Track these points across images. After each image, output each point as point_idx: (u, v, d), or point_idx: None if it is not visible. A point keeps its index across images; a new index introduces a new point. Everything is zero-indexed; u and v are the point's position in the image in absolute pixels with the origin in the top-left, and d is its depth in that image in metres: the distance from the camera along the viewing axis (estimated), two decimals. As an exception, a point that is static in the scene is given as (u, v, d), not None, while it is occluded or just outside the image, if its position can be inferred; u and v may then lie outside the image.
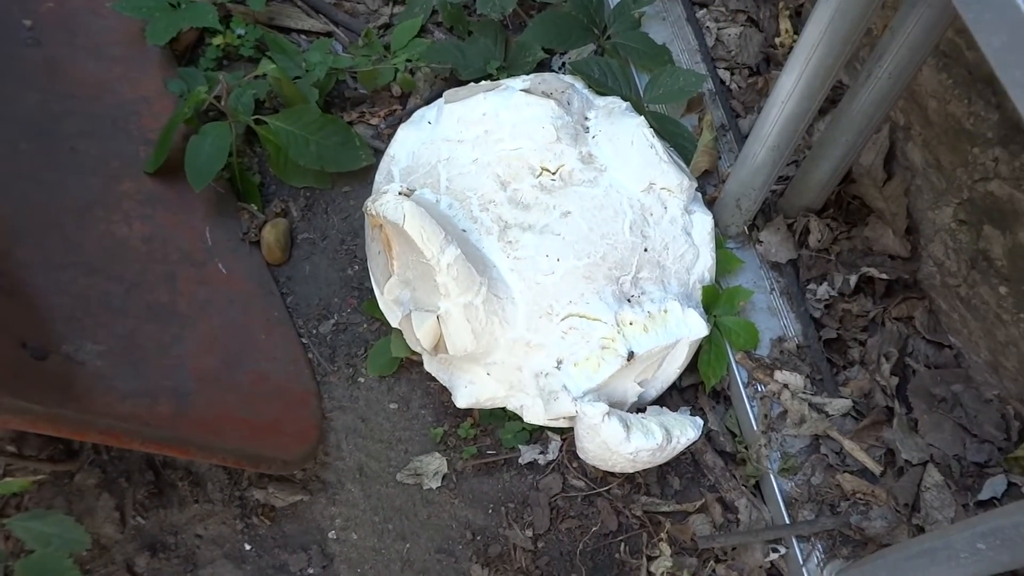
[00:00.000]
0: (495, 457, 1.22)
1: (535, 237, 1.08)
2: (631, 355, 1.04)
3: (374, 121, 1.52)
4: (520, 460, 1.20)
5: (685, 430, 1.08)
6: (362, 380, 1.32)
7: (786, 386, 1.17)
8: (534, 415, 1.12)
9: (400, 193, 1.01)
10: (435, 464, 1.21)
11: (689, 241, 1.15)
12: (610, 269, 1.08)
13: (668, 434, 1.05)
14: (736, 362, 1.21)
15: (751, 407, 1.18)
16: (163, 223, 1.37)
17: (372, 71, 1.50)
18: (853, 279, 1.26)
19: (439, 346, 1.08)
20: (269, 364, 1.28)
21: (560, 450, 1.20)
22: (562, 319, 1.07)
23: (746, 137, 1.42)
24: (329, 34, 1.62)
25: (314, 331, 1.35)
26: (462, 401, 1.12)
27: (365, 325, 1.35)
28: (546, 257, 1.07)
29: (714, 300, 1.21)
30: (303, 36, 1.63)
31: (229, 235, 1.38)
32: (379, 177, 1.22)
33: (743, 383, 1.20)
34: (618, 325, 1.05)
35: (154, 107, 1.49)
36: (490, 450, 1.23)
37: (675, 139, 1.33)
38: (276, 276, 1.39)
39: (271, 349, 1.30)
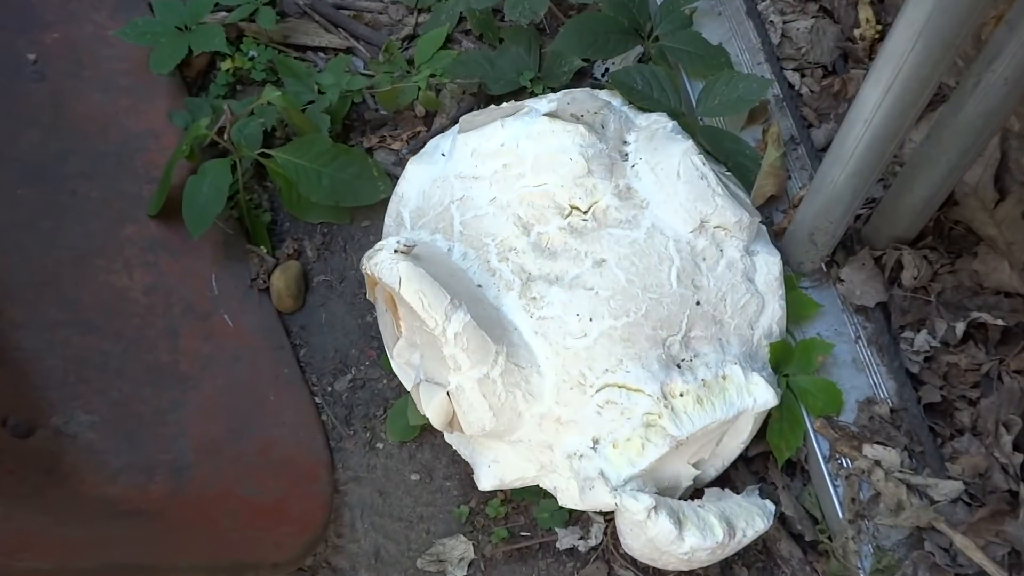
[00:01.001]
0: (529, 541, 1.05)
1: (563, 292, 0.91)
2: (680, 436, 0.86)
3: (396, 146, 1.37)
4: (558, 545, 1.03)
5: (752, 520, 0.89)
6: (380, 446, 1.17)
7: (878, 463, 0.97)
8: (570, 499, 0.95)
9: (397, 251, 0.86)
10: (460, 549, 1.05)
11: (752, 289, 0.96)
12: (654, 329, 0.90)
13: (731, 528, 0.87)
14: (815, 431, 1.01)
15: (834, 488, 0.98)
16: (166, 271, 1.25)
17: (392, 90, 1.35)
18: (960, 326, 1.04)
19: (453, 423, 0.92)
20: (278, 430, 1.15)
21: (604, 534, 1.03)
22: (597, 391, 0.89)
23: (821, 152, 1.21)
24: (349, 50, 1.48)
25: (329, 388, 1.21)
26: (485, 482, 0.96)
27: (385, 380, 1.20)
28: (576, 316, 0.90)
29: (785, 357, 1.01)
30: (320, 54, 1.49)
31: (237, 282, 1.26)
32: (388, 220, 1.06)
33: (824, 457, 1.00)
34: (665, 397, 0.87)
35: (162, 141, 1.37)
36: (523, 531, 1.07)
37: (734, 158, 1.13)
38: (288, 326, 1.26)
39: (280, 412, 1.16)
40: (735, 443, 0.96)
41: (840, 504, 0.97)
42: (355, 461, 1.16)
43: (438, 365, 0.89)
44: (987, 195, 1.10)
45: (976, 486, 0.96)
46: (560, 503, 0.97)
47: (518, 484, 0.97)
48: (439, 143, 1.08)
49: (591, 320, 0.90)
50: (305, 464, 1.12)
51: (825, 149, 1.21)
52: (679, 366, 0.90)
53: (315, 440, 1.14)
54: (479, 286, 0.93)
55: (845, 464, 1.00)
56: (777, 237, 1.08)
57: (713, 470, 0.98)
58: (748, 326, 0.96)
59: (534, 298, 0.92)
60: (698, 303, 0.92)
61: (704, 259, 0.94)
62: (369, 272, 0.86)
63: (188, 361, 1.17)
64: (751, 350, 0.96)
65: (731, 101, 1.15)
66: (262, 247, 1.27)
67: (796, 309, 1.05)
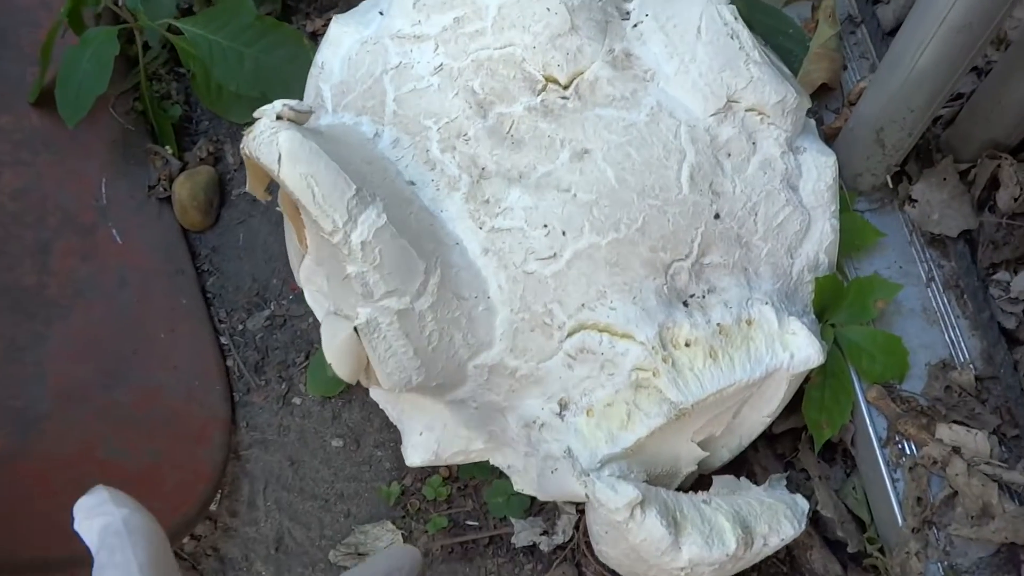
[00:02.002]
0: (476, 534, 0.80)
1: (528, 194, 0.64)
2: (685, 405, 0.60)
3: (344, 29, 1.10)
4: (513, 540, 0.78)
5: (777, 523, 0.64)
6: (298, 401, 0.91)
7: (957, 450, 0.70)
8: (527, 483, 0.69)
9: (280, 117, 0.59)
10: (386, 539, 0.80)
11: (794, 201, 0.68)
12: (653, 250, 0.63)
13: (747, 533, 0.61)
14: (868, 403, 0.75)
15: (893, 483, 0.72)
16: (44, 172, 0.99)
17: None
18: None
19: (369, 373, 0.67)
20: (165, 375, 0.89)
21: (575, 529, 0.77)
22: (568, 335, 0.63)
23: (889, 36, 0.93)
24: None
25: (239, 327, 0.95)
26: (414, 456, 0.71)
27: (312, 319, 0.94)
28: (544, 229, 0.63)
29: (834, 299, 0.74)
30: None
31: (133, 190, 0.99)
32: (305, 100, 0.79)
33: (879, 440, 0.74)
34: (664, 347, 0.61)
35: (56, 14, 1.10)
36: (470, 520, 0.81)
37: (773, 38, 0.85)
38: (195, 246, 1.00)
39: (171, 353, 0.90)
40: (759, 416, 0.69)
41: (900, 505, 0.71)
42: (263, 419, 0.90)
43: (345, 290, 0.62)
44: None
45: None
46: (515, 487, 0.71)
47: (459, 459, 0.71)
48: (378, 0, 0.81)
49: (564, 234, 0.63)
50: (195, 420, 0.86)
51: (895, 31, 0.93)
52: (686, 304, 0.64)
53: (212, 391, 0.89)
54: (411, 183, 0.66)
55: (909, 450, 0.73)
56: (828, 142, 0.81)
57: (727, 452, 0.71)
58: (786, 253, 0.68)
59: (487, 201, 0.65)
60: (717, 216, 0.65)
61: (729, 154, 0.67)
62: (247, 152, 0.60)
63: (58, 284, 0.92)
64: (788, 287, 0.69)
65: (771, -37, 0.87)
66: (167, 147, 1.00)
67: (849, 237, 0.77)
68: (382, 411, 0.79)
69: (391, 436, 0.88)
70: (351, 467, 0.87)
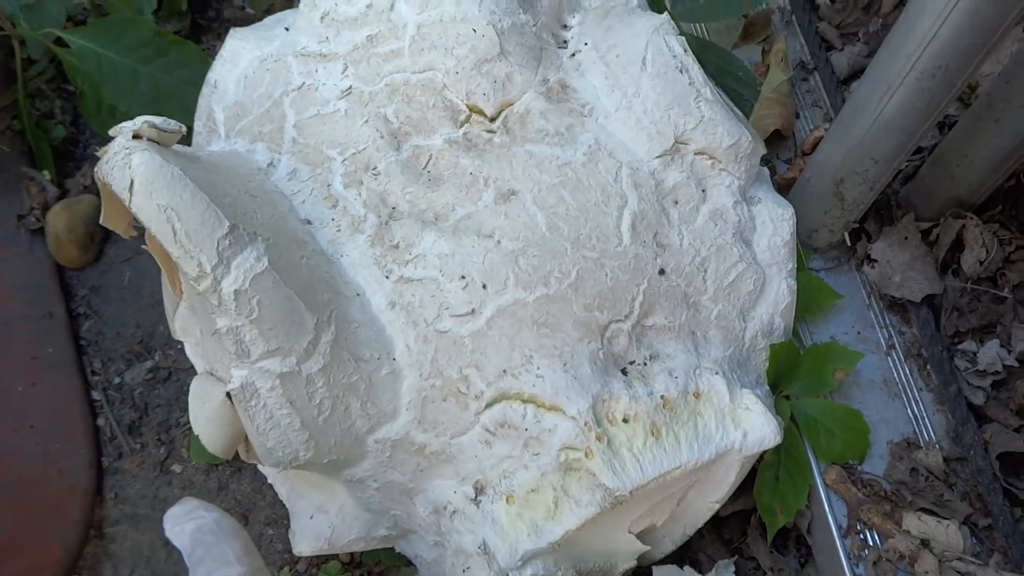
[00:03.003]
0: (379, 633, 0.69)
1: (444, 240, 0.55)
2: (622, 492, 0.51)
3: (258, 52, 1.00)
4: (423, 641, 0.67)
5: None
6: (178, 469, 0.79)
7: (925, 543, 0.62)
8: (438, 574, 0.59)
9: (138, 136, 0.49)
10: (272, 639, 0.68)
11: (748, 257, 0.61)
12: (588, 309, 0.54)
13: None
14: (827, 486, 0.67)
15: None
16: None
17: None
18: None
19: (248, 448, 0.56)
20: (19, 437, 0.76)
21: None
22: (487, 405, 0.53)
23: (844, 84, 0.87)
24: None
25: (116, 380, 0.83)
26: (303, 543, 0.59)
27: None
28: (462, 281, 0.54)
29: (790, 367, 0.66)
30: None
31: (1, 219, 0.87)
32: (197, 124, 0.69)
33: (839, 528, 0.65)
34: (599, 423, 0.52)
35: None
36: (373, 616, 0.70)
37: (723, 80, 0.78)
38: (71, 286, 0.87)
39: (30, 410, 0.78)
40: (706, 502, 0.60)
41: None
42: (135, 490, 0.78)
43: (218, 346, 0.52)
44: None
45: None
46: (422, 582, 0.61)
47: (357, 548, 0.60)
48: (287, 16, 0.72)
49: (485, 287, 0.54)
50: (51, 491, 0.73)
51: (850, 80, 0.87)
52: (625, 372, 0.55)
53: (75, 455, 0.76)
54: (307, 222, 0.56)
55: (872, 542, 0.65)
56: (780, 193, 0.73)
57: (669, 542, 0.62)
58: (739, 315, 0.60)
59: (396, 246, 0.55)
60: (662, 272, 0.57)
61: (676, 202, 0.59)
62: (99, 178, 0.49)
63: (-102, 327, 0.79)
64: (741, 354, 0.61)
65: (721, 3, 0.80)
66: (44, 172, 0.89)
67: (804, 298, 0.69)
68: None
69: (283, 512, 0.76)
70: None
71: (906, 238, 0.76)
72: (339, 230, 0.56)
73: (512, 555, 0.51)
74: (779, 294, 0.62)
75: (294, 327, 0.50)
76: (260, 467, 0.65)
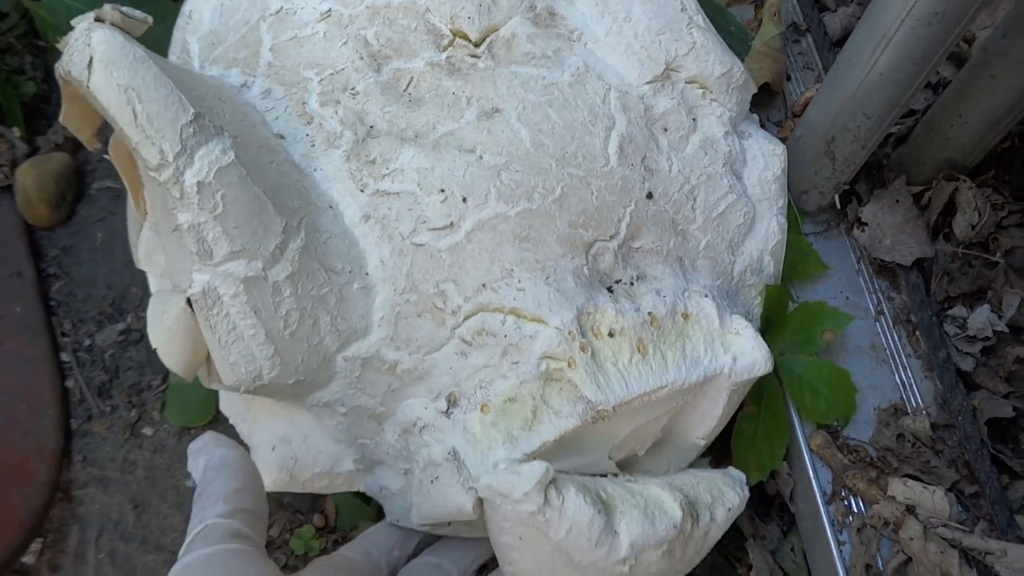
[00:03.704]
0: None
1: (423, 154, 0.53)
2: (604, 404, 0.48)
3: None
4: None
5: (719, 493, 0.52)
6: (149, 432, 0.76)
7: (911, 510, 0.60)
8: (402, 510, 0.56)
9: (100, 19, 0.47)
10: (233, 597, 0.64)
11: (738, 189, 0.59)
12: (573, 226, 0.52)
13: (691, 506, 0.49)
14: (811, 452, 0.64)
15: (838, 544, 0.62)
16: None
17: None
18: None
19: (210, 368, 0.53)
20: (-20, 392, 0.73)
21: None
22: (465, 319, 0.51)
23: (836, 46, 0.86)
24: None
25: (87, 341, 0.80)
26: (264, 478, 0.56)
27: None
28: (441, 194, 0.52)
29: (778, 320, 0.64)
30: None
31: (-30, 175, 0.85)
32: (171, 57, 0.67)
33: (823, 495, 0.63)
34: (584, 333, 0.49)
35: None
36: (343, 577, 0.66)
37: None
38: (41, 245, 0.84)
39: (-8, 366, 0.75)
40: (692, 437, 0.56)
41: (846, 572, 0.61)
42: (104, 453, 0.74)
43: (181, 256, 0.49)
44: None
45: None
46: (388, 517, 0.57)
47: (321, 484, 0.57)
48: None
49: (465, 201, 0.51)
50: (15, 452, 0.70)
51: (842, 41, 0.86)
52: (611, 290, 0.52)
53: (43, 417, 0.73)
54: (280, 136, 0.54)
55: (857, 508, 0.63)
56: (770, 148, 0.72)
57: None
58: (727, 248, 0.58)
59: (372, 161, 0.53)
60: (650, 196, 0.55)
61: (666, 129, 0.57)
62: (59, 73, 0.47)
63: None
64: (730, 287, 0.58)
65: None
66: (14, 128, 0.86)
67: (793, 263, 0.68)
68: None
69: None
70: None
71: (897, 201, 0.74)
72: (313, 145, 0.54)
73: (483, 463, 0.47)
74: (769, 231, 0.59)
75: (261, 228, 0.47)
76: (221, 406, 0.62)
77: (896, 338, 0.72)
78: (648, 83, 0.57)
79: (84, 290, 0.82)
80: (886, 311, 0.73)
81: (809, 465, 0.66)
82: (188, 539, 0.45)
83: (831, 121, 0.68)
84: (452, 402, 0.50)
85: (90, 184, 0.87)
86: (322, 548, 0.69)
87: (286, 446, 0.56)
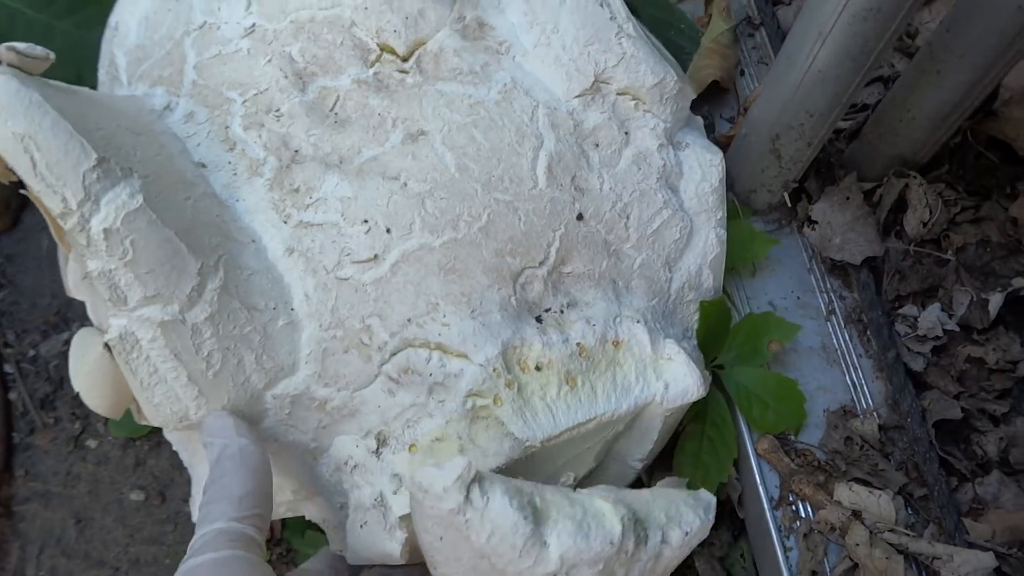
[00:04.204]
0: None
1: (348, 182, 0.51)
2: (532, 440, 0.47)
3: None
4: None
5: (677, 513, 0.50)
6: (93, 444, 0.75)
7: (857, 515, 0.60)
8: (338, 542, 0.56)
9: (-6, 60, 0.45)
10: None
11: (674, 204, 0.57)
12: (500, 255, 0.51)
13: (638, 525, 0.48)
14: (758, 456, 0.64)
15: (784, 550, 0.62)
16: None
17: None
18: (996, 299, 0.68)
19: (138, 406, 0.52)
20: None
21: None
22: (391, 355, 0.50)
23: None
24: None
25: (31, 352, 0.79)
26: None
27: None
28: (364, 224, 0.50)
29: (721, 333, 0.63)
30: None
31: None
32: (100, 73, 0.65)
33: (769, 500, 0.63)
34: (509, 369, 0.49)
35: None
36: (292, 592, 0.67)
37: (664, 32, 0.75)
38: (-17, 254, 0.83)
39: (-68, 382, 0.74)
40: (628, 462, 0.56)
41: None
42: (47, 466, 0.74)
43: (96, 294, 0.48)
44: (1036, 103, 0.75)
45: (1016, 560, 0.60)
46: (332, 547, 0.57)
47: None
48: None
49: (389, 232, 0.50)
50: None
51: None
52: (540, 320, 0.52)
53: (-18, 428, 0.73)
54: (201, 165, 0.53)
55: (804, 513, 0.63)
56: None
57: None
58: (664, 265, 0.57)
59: (296, 190, 0.52)
60: (580, 217, 0.54)
61: (597, 145, 0.56)
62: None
63: None
64: (666, 306, 0.57)
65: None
66: (-46, 134, 0.84)
67: (737, 249, 0.67)
68: (191, 455, 0.63)
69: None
70: (152, 526, 0.71)
71: (848, 198, 0.73)
72: (235, 174, 0.53)
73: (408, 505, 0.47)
74: (708, 244, 0.58)
75: (175, 272, 0.46)
76: (166, 433, 0.61)
77: (847, 338, 0.72)
78: (578, 97, 0.55)
79: (28, 299, 0.81)
80: (837, 310, 0.73)
81: (756, 470, 0.65)
82: (197, 537, 0.44)
83: (775, 119, 0.67)
84: (381, 441, 0.50)
85: (24, 214, 0.85)
86: (268, 560, 0.69)
87: (222, 477, 0.55)
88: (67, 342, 0.79)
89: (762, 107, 0.68)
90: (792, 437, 0.66)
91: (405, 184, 0.51)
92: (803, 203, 0.75)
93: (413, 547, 0.50)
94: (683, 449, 0.63)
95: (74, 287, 0.60)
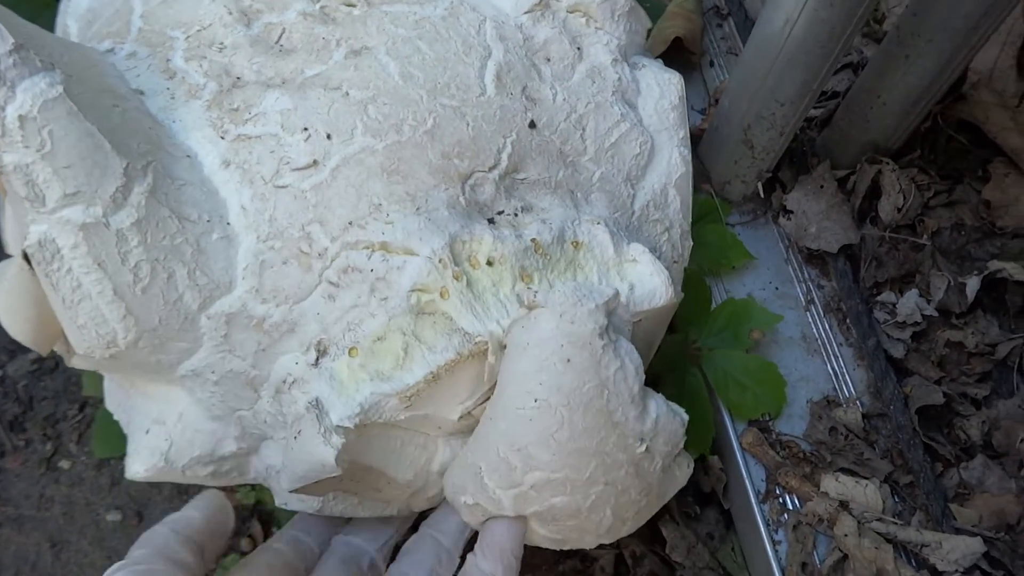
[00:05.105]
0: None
1: (287, 96, 0.50)
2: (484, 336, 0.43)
3: None
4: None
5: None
6: (66, 465, 0.71)
7: (844, 505, 0.58)
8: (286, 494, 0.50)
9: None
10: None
11: (631, 118, 0.55)
12: (447, 156, 0.48)
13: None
14: (741, 448, 0.62)
15: (773, 543, 0.59)
16: None
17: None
18: (973, 282, 0.67)
19: (68, 344, 0.48)
20: None
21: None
22: (332, 260, 0.47)
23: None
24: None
25: (-5, 371, 0.76)
26: (136, 463, 0.51)
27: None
28: (304, 132, 0.48)
29: (701, 317, 0.64)
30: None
31: None
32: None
33: (756, 494, 0.61)
34: (457, 263, 0.45)
35: None
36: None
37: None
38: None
39: None
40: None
41: (782, 572, 0.58)
42: (19, 490, 0.70)
43: (20, 208, 0.46)
44: (1007, 85, 0.75)
45: (1004, 544, 0.56)
46: (277, 501, 0.52)
47: (205, 473, 0.51)
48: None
49: (330, 138, 0.48)
50: None
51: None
52: (492, 221, 0.48)
53: (-72, 436, 0.68)
54: (139, 92, 0.51)
55: (792, 506, 0.60)
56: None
57: None
58: (625, 181, 0.54)
59: (235, 109, 0.50)
60: (532, 125, 0.51)
61: (549, 59, 0.54)
62: None
63: None
64: (630, 220, 0.54)
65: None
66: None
67: (715, 254, 0.67)
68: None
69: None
70: (129, 547, 0.66)
71: (822, 187, 0.72)
72: (173, 98, 0.51)
73: (348, 407, 0.42)
74: (671, 163, 0.55)
75: (97, 168, 0.43)
76: (107, 403, 0.57)
77: (827, 327, 0.70)
78: (527, 13, 0.54)
79: (-7, 317, 0.79)
80: (816, 300, 0.71)
81: (741, 463, 0.63)
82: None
83: (745, 109, 0.67)
84: (321, 351, 0.45)
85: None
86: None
87: (159, 427, 0.51)
88: (35, 361, 0.76)
89: (732, 98, 0.68)
90: (776, 430, 0.64)
91: (347, 93, 0.49)
92: (777, 193, 0.75)
93: (354, 467, 0.45)
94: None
95: (11, 240, 0.57)
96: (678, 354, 0.64)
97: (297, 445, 0.43)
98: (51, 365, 0.77)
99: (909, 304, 0.69)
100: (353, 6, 0.55)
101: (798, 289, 0.72)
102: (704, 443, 0.62)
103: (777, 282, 0.72)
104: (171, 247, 0.46)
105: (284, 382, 0.46)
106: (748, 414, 0.64)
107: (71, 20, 0.61)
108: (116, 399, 0.56)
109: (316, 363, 0.45)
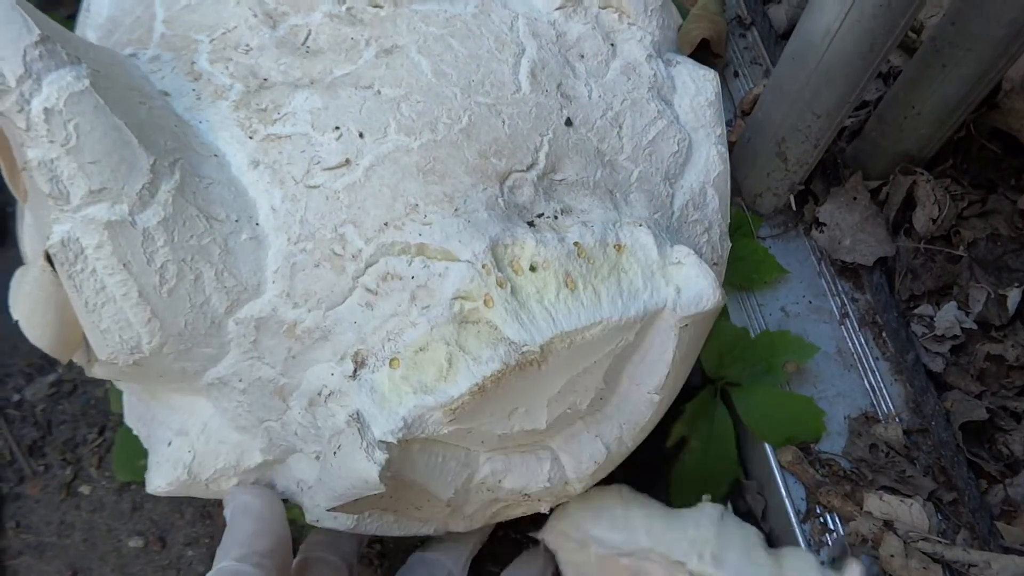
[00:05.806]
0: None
1: (318, 96, 0.48)
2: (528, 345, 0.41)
3: None
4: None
5: None
6: (86, 491, 0.69)
7: (888, 524, 0.56)
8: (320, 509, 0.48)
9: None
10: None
11: (668, 115, 0.53)
12: (483, 155, 0.47)
13: None
14: (780, 467, 0.61)
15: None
16: None
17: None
18: (1013, 295, 0.65)
19: (90, 352, 0.46)
20: None
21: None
22: (367, 266, 0.45)
23: (783, 39, 0.83)
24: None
25: (15, 397, 0.74)
26: (158, 477, 0.48)
27: (111, 383, 0.74)
28: (336, 131, 0.47)
29: (733, 350, 0.64)
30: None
31: None
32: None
33: (797, 513, 0.59)
34: (500, 267, 0.43)
35: None
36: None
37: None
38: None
39: None
40: (642, 392, 0.49)
41: None
42: (39, 516, 0.67)
43: (42, 209, 0.44)
44: (1043, 95, 0.74)
45: None
46: (308, 517, 0.49)
47: (226, 486, 0.49)
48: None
49: (363, 136, 0.46)
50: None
51: (789, 34, 0.84)
52: (532, 224, 0.46)
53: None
54: (164, 94, 0.50)
55: (833, 526, 0.58)
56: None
57: (602, 446, 0.50)
58: (663, 180, 0.52)
59: (263, 109, 0.48)
60: (569, 122, 0.49)
61: (583, 56, 0.52)
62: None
63: None
64: (670, 221, 0.52)
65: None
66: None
67: (747, 268, 0.66)
68: (198, 500, 0.58)
69: (207, 530, 0.65)
70: (153, 574, 0.64)
71: (855, 198, 0.70)
72: (199, 99, 0.49)
73: (391, 421, 0.40)
74: (709, 160, 0.54)
75: (124, 164, 0.42)
76: (127, 417, 0.54)
77: (863, 341, 0.68)
78: (558, 9, 0.53)
79: (9, 342, 0.77)
80: (851, 313, 0.69)
81: (780, 483, 0.61)
82: None
83: (780, 121, 0.65)
84: (359, 362, 0.43)
85: (12, 228, 0.83)
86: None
87: (182, 439, 0.49)
88: (53, 384, 0.74)
89: (766, 110, 0.67)
90: (815, 447, 0.62)
91: (379, 91, 0.48)
92: (809, 205, 0.73)
93: (396, 484, 0.42)
94: (683, 463, 0.61)
95: (31, 250, 0.56)
96: (704, 395, 0.64)
97: (337, 461, 0.41)
98: (69, 388, 0.75)
99: (948, 317, 0.68)
100: (380, 7, 0.54)
101: (832, 303, 0.70)
102: (722, 486, 0.62)
103: (810, 296, 0.70)
104: (198, 247, 0.44)
105: (319, 394, 0.44)
106: (786, 442, 0.62)
107: (90, 31, 0.60)
108: (136, 412, 0.54)
109: (354, 374, 0.43)
